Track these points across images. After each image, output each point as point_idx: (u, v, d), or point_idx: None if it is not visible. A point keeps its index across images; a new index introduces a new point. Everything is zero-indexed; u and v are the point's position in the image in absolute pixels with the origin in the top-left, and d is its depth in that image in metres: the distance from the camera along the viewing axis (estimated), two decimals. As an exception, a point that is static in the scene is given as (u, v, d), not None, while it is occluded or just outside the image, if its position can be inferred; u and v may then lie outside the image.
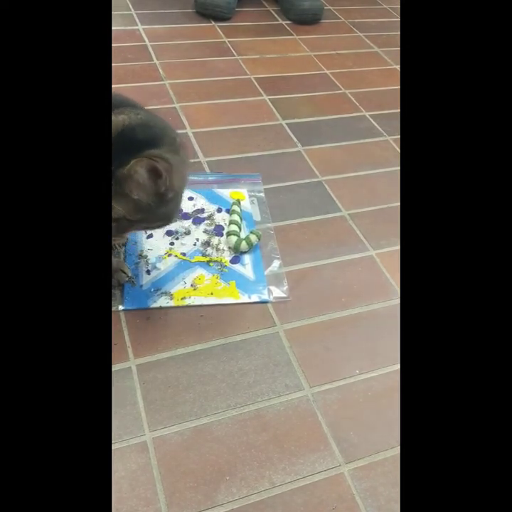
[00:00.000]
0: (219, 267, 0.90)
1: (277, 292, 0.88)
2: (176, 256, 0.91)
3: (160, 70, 1.37)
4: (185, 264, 0.90)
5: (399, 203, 1.07)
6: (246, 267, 0.91)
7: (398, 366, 0.80)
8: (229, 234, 0.94)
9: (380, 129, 1.28)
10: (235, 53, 1.49)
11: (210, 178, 1.08)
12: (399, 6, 1.87)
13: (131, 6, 1.63)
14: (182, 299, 0.85)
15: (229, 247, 0.93)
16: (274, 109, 1.30)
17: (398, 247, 0.98)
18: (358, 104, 1.36)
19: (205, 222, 0.98)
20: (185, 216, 0.98)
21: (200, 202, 1.02)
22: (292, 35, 1.63)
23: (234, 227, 0.95)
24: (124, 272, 0.84)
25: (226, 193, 1.05)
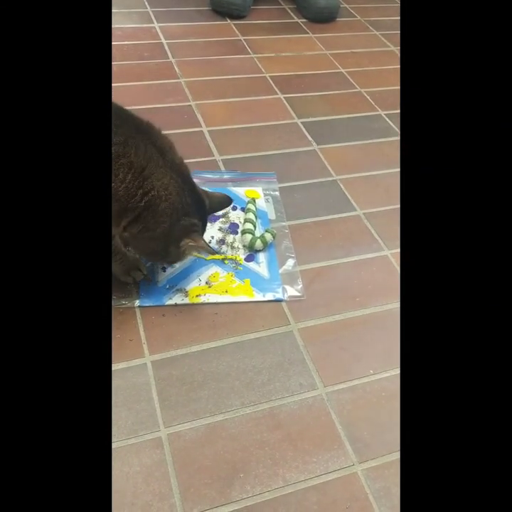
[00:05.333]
0: (234, 265, 0.91)
1: (292, 291, 0.88)
2: (191, 253, 0.91)
3: (176, 68, 1.38)
4: (200, 261, 0.91)
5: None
6: (261, 266, 0.91)
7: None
8: (244, 232, 0.94)
9: (395, 128, 1.28)
10: (250, 51, 1.49)
11: (225, 176, 1.08)
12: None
13: (147, 4, 1.64)
14: (197, 296, 0.85)
15: (244, 245, 0.94)
16: (289, 108, 1.30)
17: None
18: (373, 104, 1.36)
19: (220, 220, 0.98)
20: (201, 214, 0.99)
21: (215, 200, 1.02)
22: (308, 33, 1.63)
23: (249, 226, 0.95)
24: (140, 270, 0.85)
25: (241, 191, 1.05)
